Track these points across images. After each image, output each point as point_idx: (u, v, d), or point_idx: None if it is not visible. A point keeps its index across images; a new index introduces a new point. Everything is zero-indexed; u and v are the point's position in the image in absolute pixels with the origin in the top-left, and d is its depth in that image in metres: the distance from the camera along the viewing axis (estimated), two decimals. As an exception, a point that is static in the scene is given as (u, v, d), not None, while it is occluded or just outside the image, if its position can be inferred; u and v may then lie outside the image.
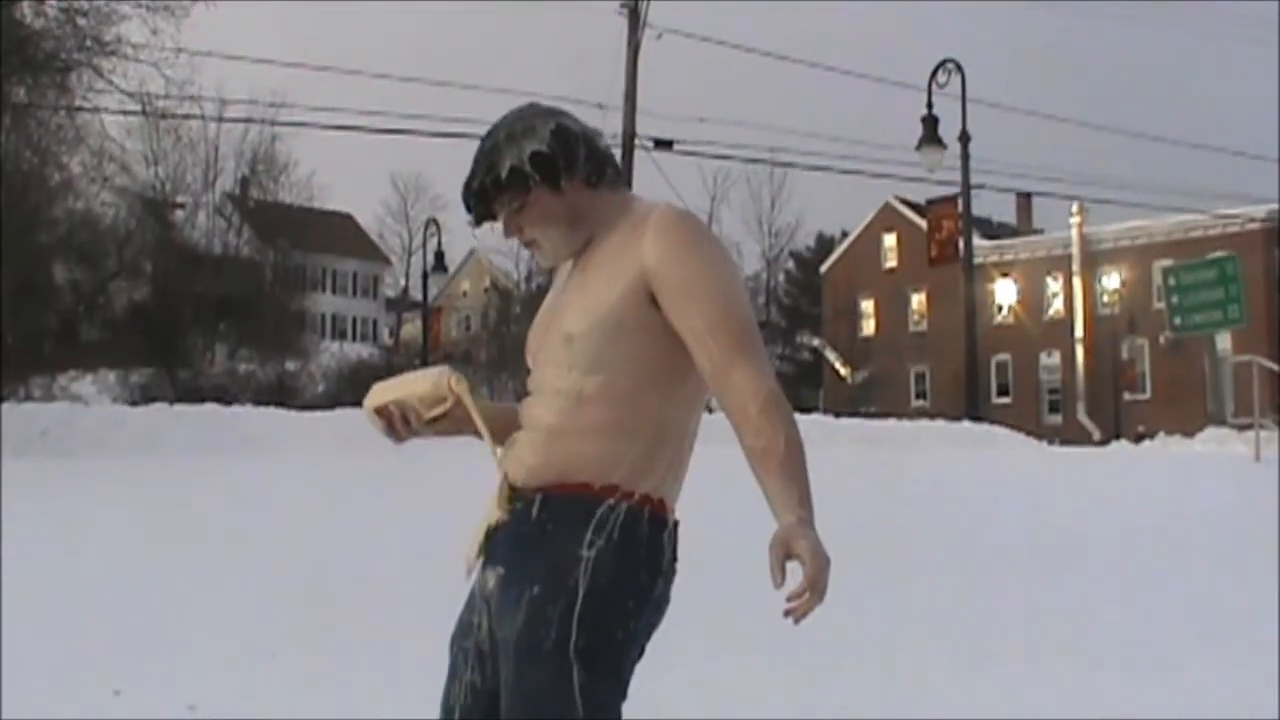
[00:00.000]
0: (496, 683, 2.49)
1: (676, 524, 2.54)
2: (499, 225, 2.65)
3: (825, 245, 67.66)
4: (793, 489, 2.32)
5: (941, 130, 27.03)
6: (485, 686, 2.52)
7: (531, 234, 2.59)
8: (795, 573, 2.22)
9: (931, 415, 33.20)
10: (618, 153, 25.71)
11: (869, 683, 5.90)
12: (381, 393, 2.71)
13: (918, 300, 58.84)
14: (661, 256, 2.46)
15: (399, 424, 2.66)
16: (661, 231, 2.48)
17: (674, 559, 2.52)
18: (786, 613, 2.21)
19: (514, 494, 2.54)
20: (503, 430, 2.65)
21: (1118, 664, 6.37)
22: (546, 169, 2.53)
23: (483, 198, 2.57)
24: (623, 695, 2.45)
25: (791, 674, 5.92)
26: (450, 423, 2.64)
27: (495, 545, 2.55)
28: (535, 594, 2.42)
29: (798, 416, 2.44)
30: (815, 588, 2.19)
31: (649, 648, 2.56)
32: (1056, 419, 53.51)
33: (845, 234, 64.80)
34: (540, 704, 2.38)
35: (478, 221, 2.63)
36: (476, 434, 2.64)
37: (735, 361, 2.42)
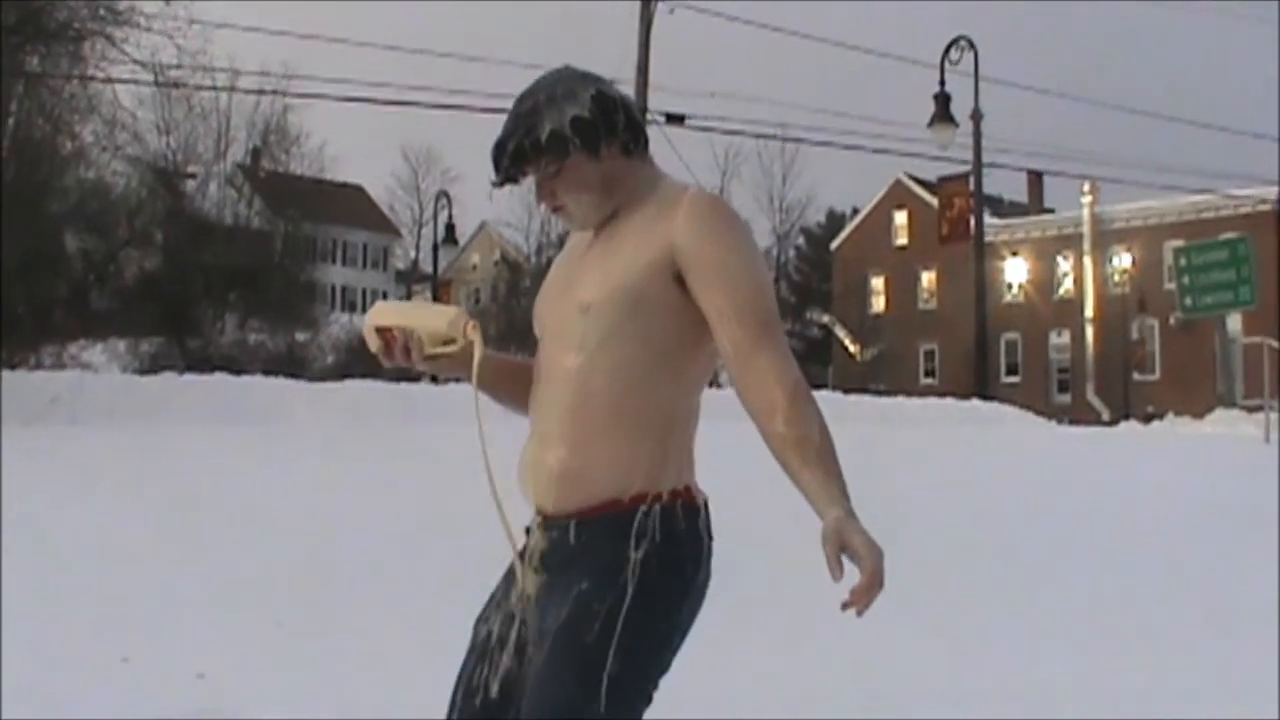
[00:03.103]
0: (526, 671, 2.48)
1: (707, 504, 2.54)
2: (509, 188, 2.62)
3: (836, 222, 67.59)
4: (833, 481, 2.31)
5: (953, 108, 26.95)
6: (521, 674, 2.49)
7: (564, 199, 2.55)
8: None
9: (940, 393, 33.13)
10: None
11: (870, 661, 5.91)
12: (388, 314, 2.64)
13: (928, 278, 58.82)
14: (693, 235, 2.44)
15: (399, 351, 2.60)
16: (695, 211, 2.47)
17: (710, 539, 2.52)
18: (847, 606, 2.20)
19: (547, 521, 2.52)
20: (501, 383, 2.64)
21: (1123, 643, 6.39)
22: (587, 135, 2.49)
23: (518, 159, 2.52)
24: (652, 684, 2.45)
25: (792, 654, 5.94)
26: (449, 362, 2.60)
27: (540, 559, 2.54)
28: (584, 589, 2.41)
29: None
30: (878, 581, 2.20)
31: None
32: (1065, 398, 53.52)
33: (856, 211, 64.74)
34: (565, 691, 2.37)
35: (504, 182, 2.58)
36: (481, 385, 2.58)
37: (762, 346, 2.40)
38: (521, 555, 2.57)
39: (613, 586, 2.40)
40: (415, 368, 2.64)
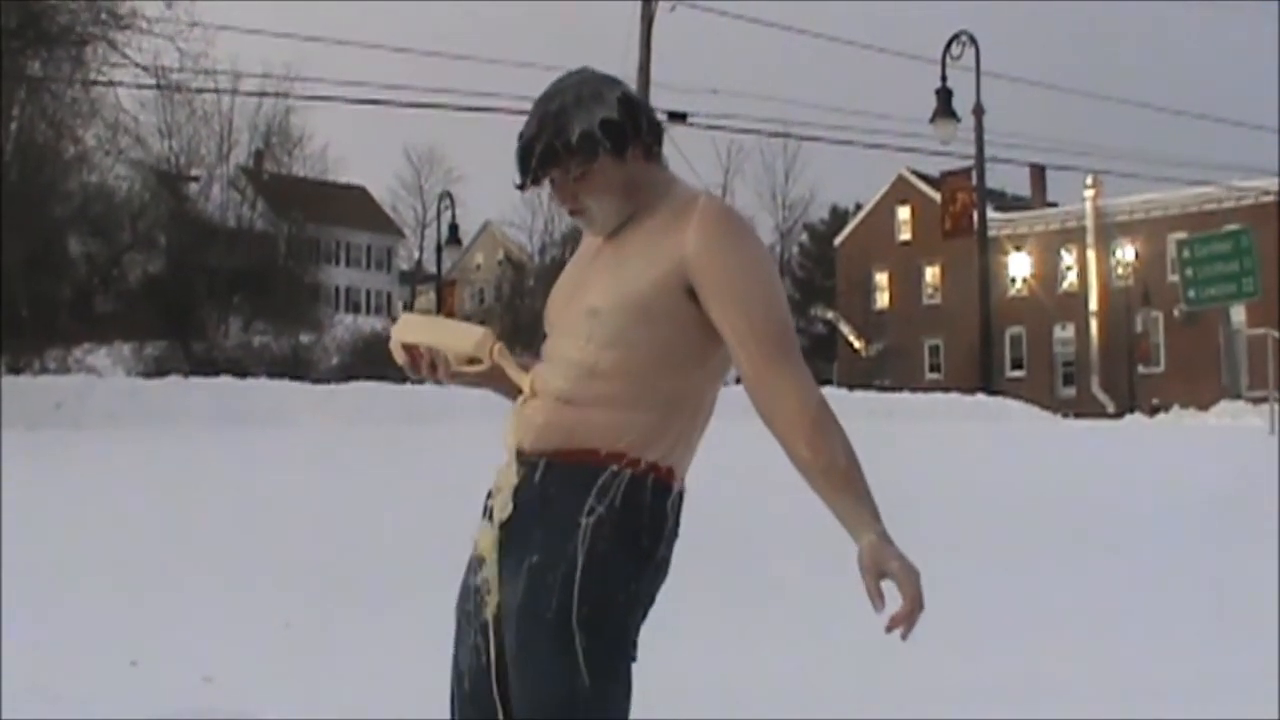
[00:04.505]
0: (501, 647, 2.49)
1: (682, 493, 2.53)
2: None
3: (839, 218, 67.54)
4: (864, 505, 2.35)
5: (955, 103, 26.97)
6: (490, 651, 2.51)
7: (586, 202, 2.53)
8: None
9: (945, 388, 33.16)
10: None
11: (872, 657, 5.90)
12: (415, 331, 2.64)
13: (931, 273, 58.73)
14: (705, 249, 2.43)
15: (425, 368, 2.61)
16: (707, 223, 2.45)
17: (676, 525, 2.51)
18: (891, 629, 2.28)
19: (521, 458, 2.52)
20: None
21: (1129, 637, 6.38)
22: (616, 137, 2.49)
23: (546, 160, 2.50)
24: (630, 657, 2.46)
25: (793, 652, 5.94)
26: (476, 377, 2.60)
27: (508, 494, 2.54)
28: (535, 562, 2.42)
29: None
30: (919, 604, 2.28)
31: (660, 618, 2.56)
32: (1070, 392, 53.47)
33: (859, 207, 64.66)
34: (546, 672, 2.39)
35: (530, 184, 2.56)
36: (503, 392, 2.60)
37: (779, 366, 2.41)
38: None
39: (563, 557, 2.41)
40: (444, 383, 2.66)
